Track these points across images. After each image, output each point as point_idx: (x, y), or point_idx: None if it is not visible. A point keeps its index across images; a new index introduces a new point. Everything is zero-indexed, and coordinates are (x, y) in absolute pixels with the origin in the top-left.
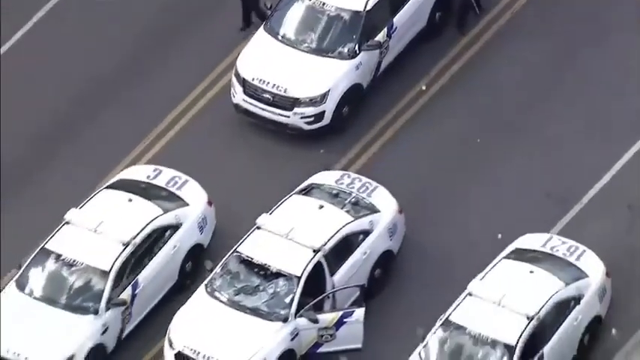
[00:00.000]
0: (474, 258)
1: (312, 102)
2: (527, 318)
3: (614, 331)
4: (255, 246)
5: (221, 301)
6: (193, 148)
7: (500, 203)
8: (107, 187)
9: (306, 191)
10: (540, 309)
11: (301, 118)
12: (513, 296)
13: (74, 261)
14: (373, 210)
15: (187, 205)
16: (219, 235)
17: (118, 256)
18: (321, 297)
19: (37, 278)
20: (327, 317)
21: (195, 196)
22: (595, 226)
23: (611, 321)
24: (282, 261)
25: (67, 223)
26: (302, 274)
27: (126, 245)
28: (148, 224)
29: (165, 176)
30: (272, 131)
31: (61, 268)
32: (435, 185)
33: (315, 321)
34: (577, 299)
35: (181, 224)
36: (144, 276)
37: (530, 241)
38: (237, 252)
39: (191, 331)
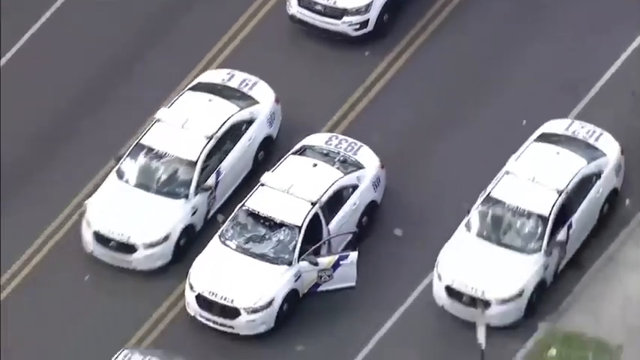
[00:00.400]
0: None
1: (358, 11)
2: (558, 192)
3: (627, 201)
4: (260, 201)
5: (233, 249)
6: (254, 55)
7: (521, 95)
8: (189, 89)
9: (301, 152)
10: (568, 184)
11: (349, 25)
12: (544, 174)
13: (165, 153)
14: (359, 166)
15: (258, 103)
16: (285, 129)
17: (203, 148)
18: (319, 243)
19: (134, 168)
20: (326, 260)
21: (264, 94)
22: (604, 112)
23: (625, 193)
24: (284, 213)
25: (158, 120)
26: (302, 224)
27: (209, 139)
28: (227, 120)
29: (237, 78)
30: (323, 38)
31: (155, 160)
32: (460, 92)
33: (316, 264)
34: (598, 175)
35: (255, 119)
36: (225, 165)
37: (554, 126)
38: (245, 206)
39: (208, 276)
